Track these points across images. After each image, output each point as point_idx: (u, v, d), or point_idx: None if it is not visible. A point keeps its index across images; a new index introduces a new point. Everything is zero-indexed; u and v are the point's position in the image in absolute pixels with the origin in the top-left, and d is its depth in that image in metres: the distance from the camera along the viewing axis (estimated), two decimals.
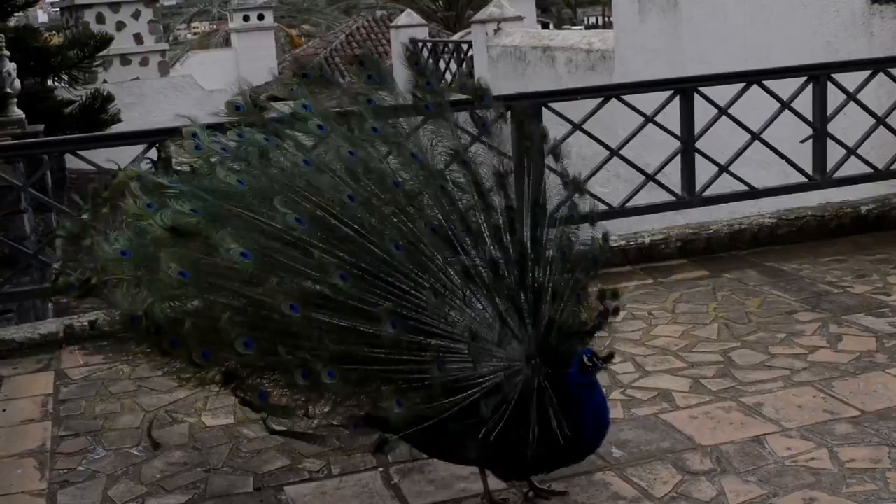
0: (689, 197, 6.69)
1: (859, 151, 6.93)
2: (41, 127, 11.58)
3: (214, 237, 3.25)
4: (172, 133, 6.09)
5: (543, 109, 6.29)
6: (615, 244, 6.39)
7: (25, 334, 5.55)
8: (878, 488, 3.57)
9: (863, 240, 6.62)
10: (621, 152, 6.55)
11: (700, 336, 5.15)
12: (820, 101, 6.76)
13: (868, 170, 7.01)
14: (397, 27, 20.56)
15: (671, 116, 6.57)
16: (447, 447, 3.44)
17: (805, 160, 6.88)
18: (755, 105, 6.71)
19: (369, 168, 3.45)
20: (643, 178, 6.61)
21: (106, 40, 16.47)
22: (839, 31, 8.51)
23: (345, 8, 39.99)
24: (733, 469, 3.76)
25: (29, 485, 4.02)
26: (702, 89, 6.59)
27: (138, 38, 21.17)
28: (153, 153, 3.71)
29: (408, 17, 20.97)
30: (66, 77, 15.93)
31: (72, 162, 13.06)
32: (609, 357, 3.32)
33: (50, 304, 9.87)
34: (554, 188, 3.62)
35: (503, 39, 15.89)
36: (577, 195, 3.65)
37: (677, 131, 6.57)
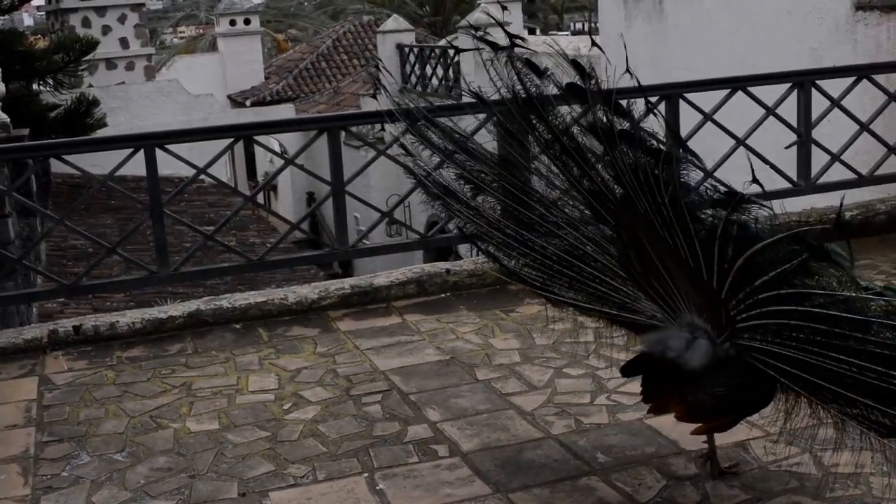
0: None
1: (843, 157, 6.96)
2: (26, 131, 11.53)
3: None
4: (159, 137, 6.11)
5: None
6: None
7: (9, 339, 5.52)
8: (862, 493, 3.58)
9: None
10: None
11: None
12: (805, 107, 6.79)
13: (852, 176, 7.04)
14: (384, 32, 20.60)
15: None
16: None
17: (790, 166, 6.91)
18: (740, 111, 6.73)
19: None
20: None
21: (91, 44, 16.45)
22: (824, 37, 8.55)
23: (332, 13, 40.02)
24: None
25: (12, 491, 3.99)
26: (687, 95, 6.61)
27: (124, 43, 21.15)
28: None
29: (395, 22, 21.00)
30: (51, 81, 15.90)
31: (57, 166, 13.06)
32: None
33: (34, 309, 9.83)
34: None
35: None
36: None
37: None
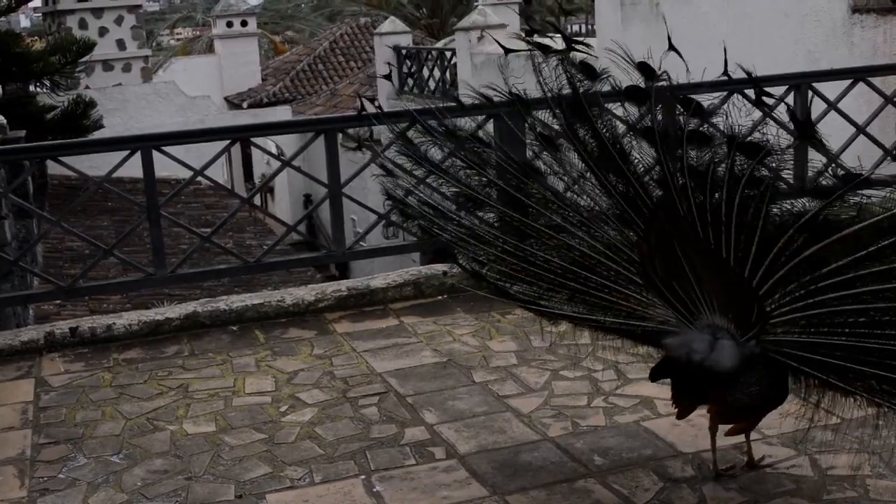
0: None
1: (840, 160, 6.95)
2: (22, 132, 11.52)
3: None
4: (156, 139, 6.11)
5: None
6: None
7: (5, 341, 5.51)
8: (859, 495, 3.59)
9: None
10: None
11: None
12: (801, 109, 6.79)
13: None
14: (381, 34, 20.57)
15: None
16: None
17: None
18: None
19: None
20: None
21: (88, 46, 16.43)
22: (820, 40, 8.56)
23: (328, 15, 39.98)
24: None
25: (8, 493, 3.99)
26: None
27: (121, 44, 21.14)
28: None
29: (391, 24, 20.98)
30: (47, 82, 15.88)
31: (53, 168, 13.04)
32: None
33: (31, 311, 9.82)
34: None
35: (486, 47, 15.91)
36: None
37: None
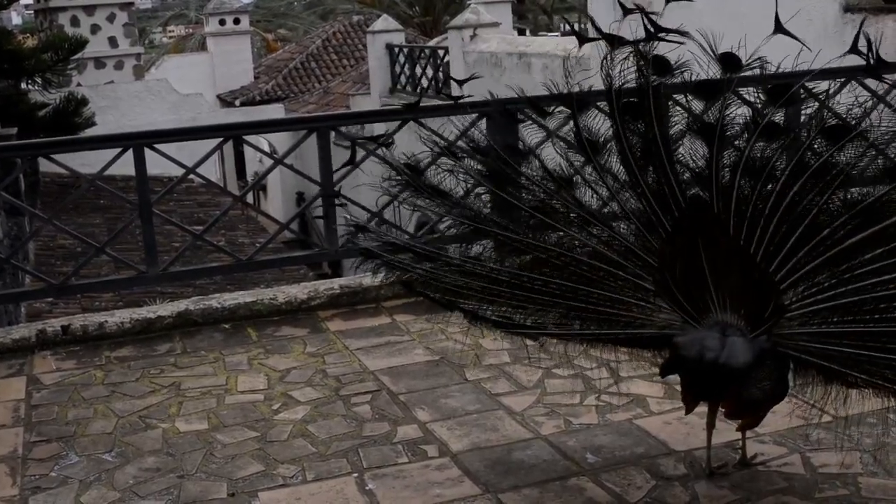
0: None
1: None
2: (14, 130, 11.51)
3: None
4: (148, 136, 6.10)
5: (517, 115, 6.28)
6: None
7: None
8: (850, 493, 3.60)
9: None
10: None
11: None
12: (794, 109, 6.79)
13: None
14: (374, 32, 20.57)
15: None
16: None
17: None
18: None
19: None
20: None
21: (80, 43, 16.39)
22: (812, 39, 8.56)
23: (321, 13, 39.99)
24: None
25: (0, 491, 3.98)
26: (676, 97, 6.59)
27: (113, 42, 21.06)
28: None
29: (384, 22, 20.98)
30: (39, 80, 15.83)
31: (45, 165, 13.02)
32: None
33: (22, 309, 9.80)
34: None
35: (479, 45, 15.92)
36: None
37: None
